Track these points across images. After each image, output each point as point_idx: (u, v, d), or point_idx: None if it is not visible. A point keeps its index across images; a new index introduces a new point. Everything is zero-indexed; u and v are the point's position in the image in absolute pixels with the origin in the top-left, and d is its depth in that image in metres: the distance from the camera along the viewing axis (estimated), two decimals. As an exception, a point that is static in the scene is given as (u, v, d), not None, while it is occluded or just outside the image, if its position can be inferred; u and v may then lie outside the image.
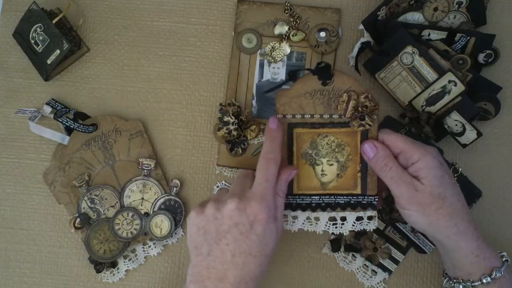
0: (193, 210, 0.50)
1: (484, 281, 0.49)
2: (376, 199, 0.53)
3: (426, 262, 0.61)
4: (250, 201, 0.47)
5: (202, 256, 0.48)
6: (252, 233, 0.47)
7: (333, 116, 0.53)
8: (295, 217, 0.54)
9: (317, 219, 0.54)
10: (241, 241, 0.47)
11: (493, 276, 0.49)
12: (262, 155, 0.50)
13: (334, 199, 0.53)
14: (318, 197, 0.53)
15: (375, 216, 0.53)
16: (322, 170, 0.53)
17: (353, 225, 0.53)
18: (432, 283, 0.60)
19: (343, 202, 0.53)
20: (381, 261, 0.60)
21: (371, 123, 0.51)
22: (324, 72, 0.52)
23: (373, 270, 0.61)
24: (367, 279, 0.60)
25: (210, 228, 0.48)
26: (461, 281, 0.50)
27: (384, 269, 0.60)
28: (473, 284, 0.49)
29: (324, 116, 0.53)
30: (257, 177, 0.49)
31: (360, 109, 0.51)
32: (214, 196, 0.52)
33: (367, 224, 0.53)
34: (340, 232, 0.54)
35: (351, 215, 0.53)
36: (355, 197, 0.53)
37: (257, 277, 0.48)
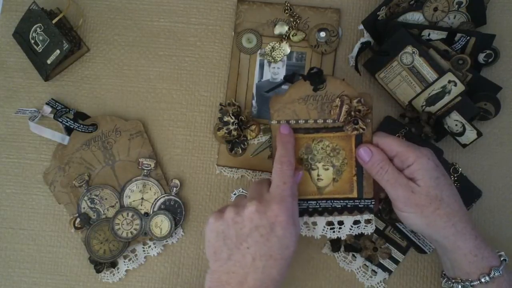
0: (211, 216, 0.49)
1: (483, 280, 0.49)
2: (373, 202, 0.53)
3: (426, 262, 0.61)
4: (270, 203, 0.47)
5: (221, 261, 0.47)
6: (272, 235, 0.46)
7: (327, 121, 0.53)
8: None
9: (314, 224, 0.53)
10: (262, 243, 0.46)
11: (491, 275, 0.49)
12: (277, 159, 0.50)
13: (331, 204, 0.53)
14: (315, 202, 0.53)
15: (372, 219, 0.53)
16: (318, 175, 0.53)
17: (350, 229, 0.53)
18: (432, 283, 0.60)
19: (340, 206, 0.53)
20: (381, 261, 0.60)
21: (364, 127, 0.51)
22: (316, 78, 0.52)
23: (373, 270, 0.61)
24: (367, 279, 0.60)
25: (230, 233, 0.47)
26: (460, 281, 0.50)
27: (384, 269, 0.60)
28: (472, 283, 0.49)
29: (318, 121, 0.53)
30: (274, 180, 0.49)
31: (353, 113, 0.51)
32: (232, 202, 0.52)
33: (364, 228, 0.53)
34: (338, 237, 0.53)
35: (348, 219, 0.53)
36: (351, 201, 0.53)
37: (277, 281, 0.47)
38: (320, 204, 0.53)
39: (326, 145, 0.53)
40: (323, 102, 0.53)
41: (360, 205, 0.53)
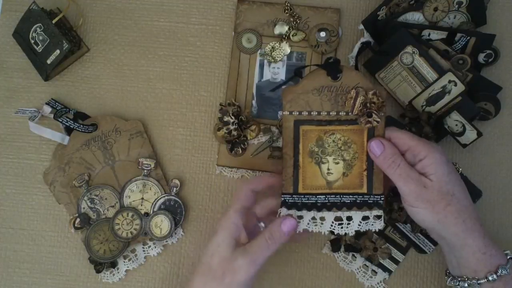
0: None
1: (490, 278, 0.48)
2: (382, 198, 0.52)
3: (426, 262, 0.61)
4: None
5: None
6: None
7: (340, 113, 0.52)
8: (300, 217, 0.53)
9: (322, 219, 0.52)
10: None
11: (498, 274, 0.48)
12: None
13: (340, 199, 0.52)
14: (324, 196, 0.52)
15: (382, 215, 0.52)
16: (328, 169, 0.52)
17: (359, 225, 0.52)
18: (432, 283, 0.60)
19: (349, 201, 0.52)
20: (381, 261, 0.60)
21: (378, 119, 0.50)
22: (334, 68, 0.51)
23: (373, 270, 0.61)
24: (367, 279, 0.60)
25: None
26: (466, 279, 0.50)
27: (384, 269, 0.60)
28: (479, 281, 0.49)
29: (331, 113, 0.52)
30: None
31: (368, 105, 0.51)
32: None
33: (373, 224, 0.52)
34: (346, 233, 0.53)
35: (357, 215, 0.52)
36: (361, 196, 0.52)
37: None
38: (329, 198, 0.52)
39: (338, 138, 0.52)
40: (337, 93, 0.52)
41: (369, 201, 0.52)
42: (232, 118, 0.59)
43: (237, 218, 0.51)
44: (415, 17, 0.61)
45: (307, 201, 0.52)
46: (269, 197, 0.55)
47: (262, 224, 0.55)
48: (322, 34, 0.62)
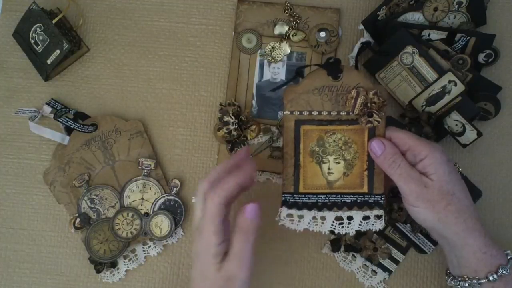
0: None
1: (491, 278, 0.48)
2: (383, 198, 0.52)
3: (426, 262, 0.61)
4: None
5: None
6: None
7: (341, 113, 0.52)
8: (301, 217, 0.53)
9: (323, 218, 0.53)
10: None
11: (499, 274, 0.48)
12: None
13: (341, 198, 0.52)
14: (325, 196, 0.53)
15: (382, 215, 0.52)
16: (329, 168, 0.53)
17: (359, 225, 0.52)
18: (432, 283, 0.60)
19: (349, 201, 0.52)
20: (381, 261, 0.60)
21: (379, 119, 0.51)
22: (334, 67, 0.52)
23: (373, 270, 0.61)
24: (367, 279, 0.60)
25: None
26: (467, 279, 0.50)
27: (384, 269, 0.60)
28: (479, 281, 0.49)
29: (331, 113, 0.52)
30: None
31: (369, 105, 0.51)
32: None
33: (373, 224, 0.52)
34: (346, 232, 0.53)
35: (357, 214, 0.52)
36: (361, 196, 0.52)
37: None
38: (330, 198, 0.52)
39: (339, 138, 0.52)
40: (337, 93, 0.52)
41: (370, 201, 0.52)
42: (232, 118, 0.59)
43: (217, 238, 0.48)
44: (415, 17, 0.61)
45: (307, 201, 0.53)
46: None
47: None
48: (322, 34, 0.62)
